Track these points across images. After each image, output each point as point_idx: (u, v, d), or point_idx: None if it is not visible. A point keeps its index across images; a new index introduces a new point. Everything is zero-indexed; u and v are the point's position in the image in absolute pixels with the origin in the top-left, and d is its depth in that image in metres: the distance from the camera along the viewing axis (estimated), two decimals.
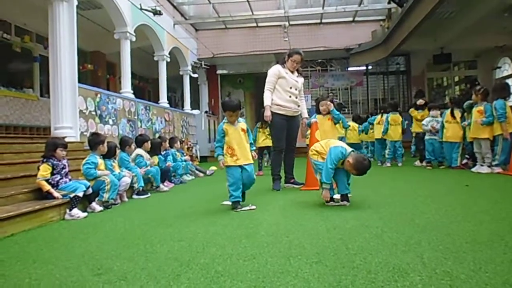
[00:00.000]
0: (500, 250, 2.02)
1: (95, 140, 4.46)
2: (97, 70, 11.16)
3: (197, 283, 1.80)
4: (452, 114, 6.34)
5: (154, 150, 6.00)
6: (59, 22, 5.81)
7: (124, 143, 5.33)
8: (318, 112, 5.32)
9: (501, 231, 2.37)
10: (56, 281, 1.93)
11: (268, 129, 7.51)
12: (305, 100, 5.29)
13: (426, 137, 6.83)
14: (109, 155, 4.69)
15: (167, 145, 6.74)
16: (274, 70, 4.87)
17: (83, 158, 4.52)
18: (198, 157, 11.01)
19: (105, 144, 4.51)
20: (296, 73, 5.01)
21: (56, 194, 3.72)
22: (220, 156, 3.72)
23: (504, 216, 2.79)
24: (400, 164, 7.44)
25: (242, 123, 3.83)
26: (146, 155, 5.64)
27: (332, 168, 3.43)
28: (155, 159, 5.91)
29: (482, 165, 5.74)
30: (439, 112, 6.72)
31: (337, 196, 3.63)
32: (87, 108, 6.35)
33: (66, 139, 4.79)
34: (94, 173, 4.21)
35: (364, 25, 12.90)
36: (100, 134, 4.88)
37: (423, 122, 6.96)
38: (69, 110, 5.85)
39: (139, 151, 5.58)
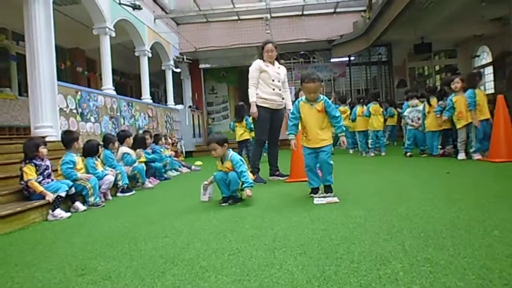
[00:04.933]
0: (479, 235, 2.07)
1: (68, 138, 4.36)
2: (76, 67, 10.94)
3: (182, 279, 1.80)
4: (429, 103, 6.46)
5: (139, 145, 5.94)
6: (35, 18, 5.65)
7: (107, 140, 5.26)
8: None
9: (480, 217, 2.42)
10: (39, 283, 1.91)
11: (243, 122, 7.71)
12: (289, 92, 5.26)
13: (409, 127, 6.91)
14: (92, 153, 4.63)
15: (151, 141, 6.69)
16: (255, 65, 4.90)
17: None
18: (183, 153, 10.95)
19: (80, 141, 4.43)
20: (277, 64, 4.99)
21: (49, 195, 3.63)
22: None
23: (483, 202, 2.85)
24: (383, 154, 7.52)
25: (227, 162, 3.71)
26: (132, 152, 5.59)
27: (292, 118, 3.72)
28: (142, 156, 5.86)
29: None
30: (417, 101, 6.81)
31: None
32: (67, 106, 6.22)
33: (47, 139, 4.70)
34: (74, 175, 4.13)
35: (345, 16, 12.92)
36: (73, 131, 4.78)
37: (404, 114, 7.04)
38: (48, 108, 5.72)
39: (125, 149, 5.52)
